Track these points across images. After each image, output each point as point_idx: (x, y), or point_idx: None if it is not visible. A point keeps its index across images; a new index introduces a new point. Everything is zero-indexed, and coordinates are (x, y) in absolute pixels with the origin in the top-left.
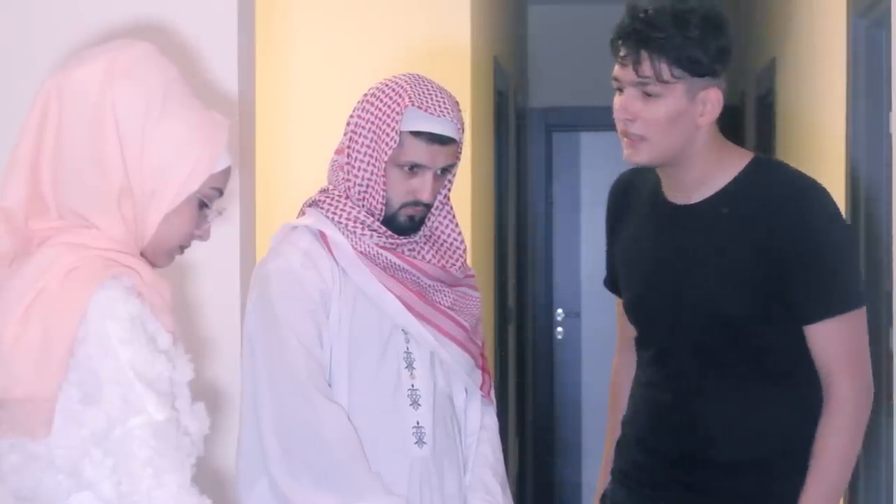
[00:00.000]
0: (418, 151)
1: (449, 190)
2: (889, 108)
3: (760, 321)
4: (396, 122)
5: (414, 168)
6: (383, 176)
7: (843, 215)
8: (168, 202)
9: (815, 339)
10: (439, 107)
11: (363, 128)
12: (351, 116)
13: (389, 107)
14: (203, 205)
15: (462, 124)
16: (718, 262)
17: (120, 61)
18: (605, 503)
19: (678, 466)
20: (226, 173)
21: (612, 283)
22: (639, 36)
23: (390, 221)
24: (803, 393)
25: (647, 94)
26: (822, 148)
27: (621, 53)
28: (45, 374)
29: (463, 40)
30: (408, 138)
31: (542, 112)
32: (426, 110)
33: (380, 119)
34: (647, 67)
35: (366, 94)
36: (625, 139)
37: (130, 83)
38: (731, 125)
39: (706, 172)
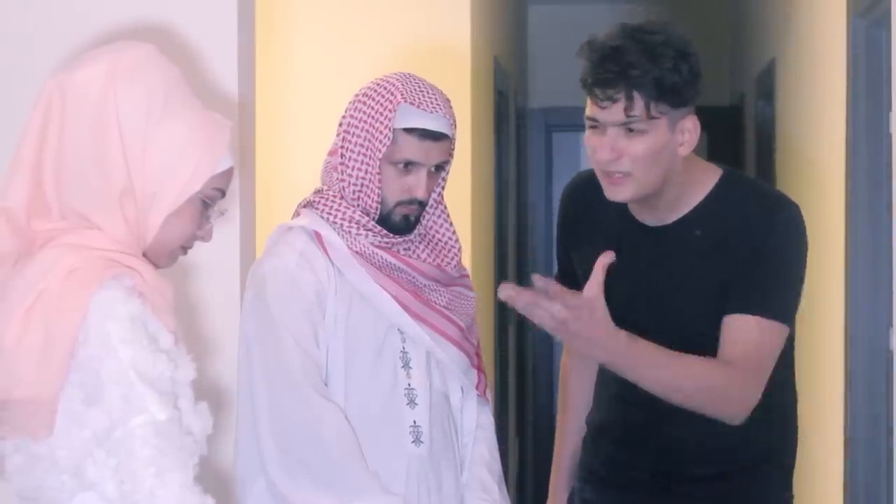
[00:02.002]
0: (412, 148)
1: (442, 188)
2: (889, 108)
3: None
4: (389, 120)
5: (408, 165)
6: (378, 174)
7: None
8: (170, 203)
9: (728, 330)
10: (432, 103)
11: (356, 127)
12: (343, 117)
13: (382, 104)
14: (205, 205)
15: (454, 121)
16: (692, 285)
17: (122, 62)
18: (573, 502)
19: (652, 476)
20: (228, 174)
21: (564, 284)
22: (623, 76)
23: (385, 220)
24: (775, 406)
25: (631, 131)
26: (822, 148)
27: (608, 94)
28: (46, 375)
29: (463, 40)
30: (401, 135)
31: (542, 112)
32: (419, 106)
33: (372, 117)
34: (639, 106)
35: (357, 95)
36: (606, 178)
37: (133, 84)
38: (731, 125)
39: (679, 195)
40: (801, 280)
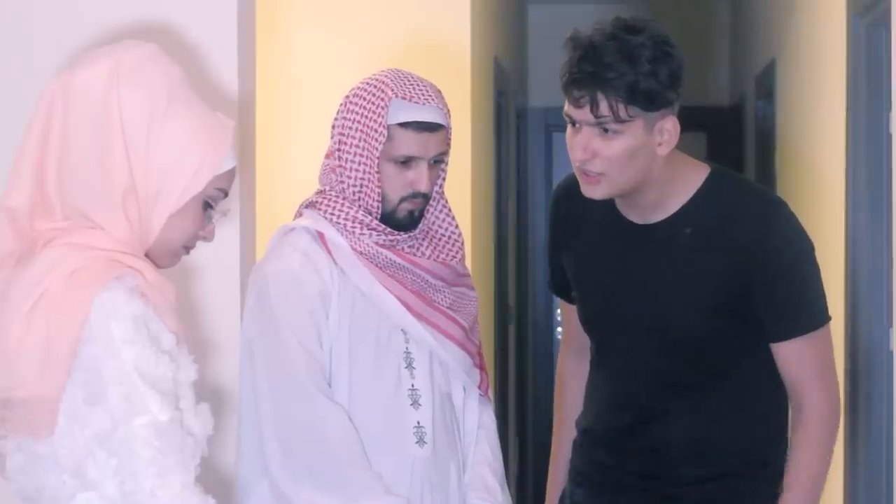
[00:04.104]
0: (409, 142)
1: (443, 181)
2: (889, 108)
3: (722, 341)
4: (382, 117)
5: (407, 160)
6: (377, 172)
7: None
8: (173, 203)
9: (784, 356)
10: (423, 95)
11: (350, 128)
12: (336, 119)
13: (373, 102)
14: (208, 205)
15: (448, 110)
16: (682, 283)
17: (125, 62)
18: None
19: (641, 479)
20: (231, 174)
21: (557, 287)
22: (593, 77)
23: (389, 218)
24: (764, 407)
25: (606, 131)
26: (822, 148)
27: (576, 95)
28: (48, 374)
29: (463, 40)
30: (397, 131)
31: (542, 112)
32: (411, 99)
33: (365, 116)
34: (604, 108)
35: (347, 96)
36: (581, 176)
37: (136, 84)
38: (731, 125)
39: (664, 193)
40: (818, 273)
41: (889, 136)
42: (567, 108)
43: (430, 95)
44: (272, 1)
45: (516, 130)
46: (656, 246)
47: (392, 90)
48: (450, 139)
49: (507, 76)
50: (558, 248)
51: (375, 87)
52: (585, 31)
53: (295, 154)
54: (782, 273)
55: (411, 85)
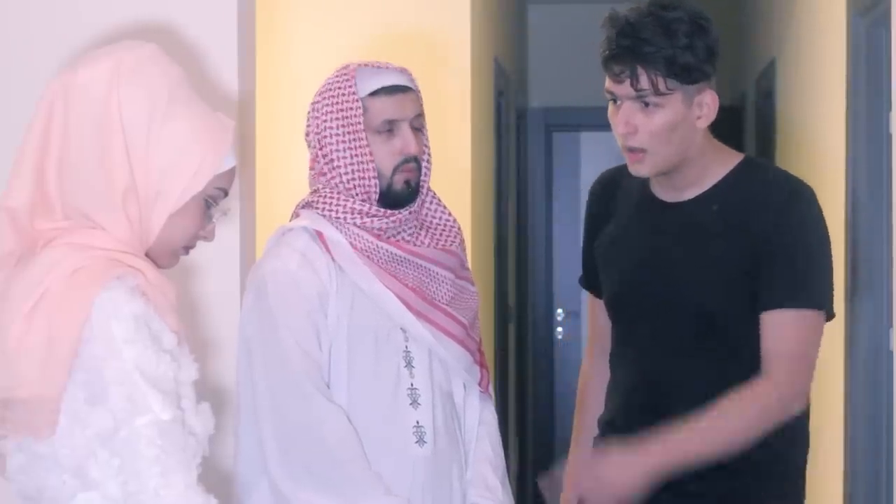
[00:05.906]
0: (385, 107)
1: (428, 157)
2: (889, 108)
3: (747, 319)
4: (352, 92)
5: (390, 128)
6: (367, 145)
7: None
8: (173, 202)
9: (767, 326)
10: (383, 63)
11: (325, 120)
12: (308, 126)
13: (339, 84)
14: (208, 205)
15: (413, 78)
16: (708, 259)
17: (126, 62)
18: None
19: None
20: (231, 173)
21: (588, 282)
22: (631, 51)
23: (388, 194)
24: None
25: (646, 105)
26: (822, 148)
27: (616, 70)
28: (49, 374)
29: (463, 40)
30: (369, 101)
31: (542, 112)
32: (373, 66)
33: (335, 98)
34: (644, 81)
35: (312, 101)
36: (626, 153)
37: (136, 84)
38: (731, 125)
39: (700, 172)
40: (828, 263)
41: (889, 136)
42: (608, 84)
43: (389, 63)
44: (272, 1)
45: (516, 130)
46: (681, 224)
47: (353, 67)
48: (422, 104)
49: (507, 76)
50: (591, 239)
51: (335, 72)
52: (622, 10)
53: (295, 154)
54: (788, 245)
55: (370, 60)
